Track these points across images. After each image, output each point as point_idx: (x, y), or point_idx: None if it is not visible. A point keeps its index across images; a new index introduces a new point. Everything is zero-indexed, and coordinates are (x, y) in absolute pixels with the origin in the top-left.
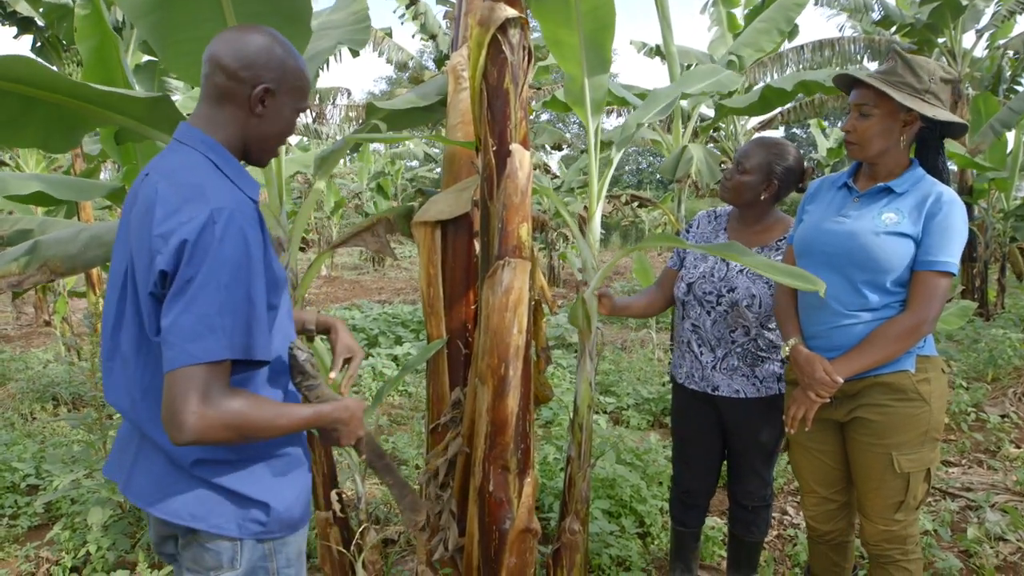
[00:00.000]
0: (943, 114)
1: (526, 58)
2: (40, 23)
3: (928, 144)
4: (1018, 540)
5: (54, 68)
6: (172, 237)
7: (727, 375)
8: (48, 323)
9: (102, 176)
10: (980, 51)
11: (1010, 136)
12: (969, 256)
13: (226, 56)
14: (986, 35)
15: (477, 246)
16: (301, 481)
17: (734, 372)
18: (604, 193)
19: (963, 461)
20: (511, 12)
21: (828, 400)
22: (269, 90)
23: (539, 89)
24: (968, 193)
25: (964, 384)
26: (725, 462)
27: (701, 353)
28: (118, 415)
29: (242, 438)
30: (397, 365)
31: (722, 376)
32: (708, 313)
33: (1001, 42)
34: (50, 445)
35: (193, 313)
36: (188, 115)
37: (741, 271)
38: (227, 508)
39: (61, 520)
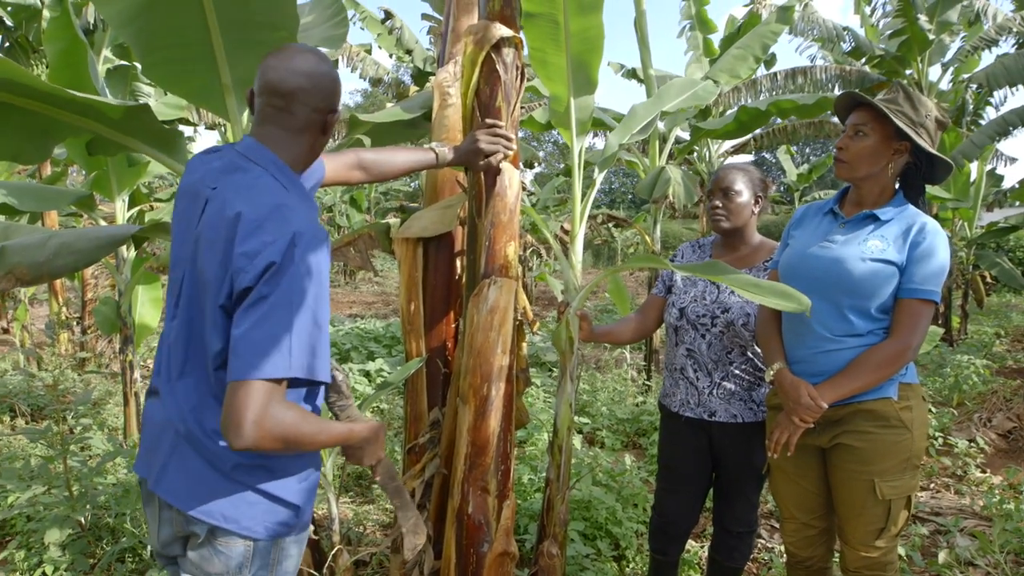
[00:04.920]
0: (932, 148)
1: (519, 77)
2: (8, 23)
3: (911, 184)
4: (987, 565)
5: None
6: (258, 257)
7: (724, 400)
8: (6, 331)
9: (69, 179)
10: (945, 84)
11: (973, 167)
12: None
13: (310, 91)
14: (951, 69)
15: (459, 264)
16: (316, 484)
17: (731, 397)
18: (587, 214)
19: (931, 485)
20: (506, 31)
21: (812, 426)
22: (336, 112)
23: (522, 107)
24: None
25: (931, 409)
26: (710, 489)
27: (697, 379)
28: (80, 429)
29: (288, 449)
30: (369, 381)
31: (719, 401)
32: (703, 336)
33: (965, 76)
34: (6, 459)
35: (265, 330)
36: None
37: (733, 290)
38: (260, 510)
39: (16, 538)
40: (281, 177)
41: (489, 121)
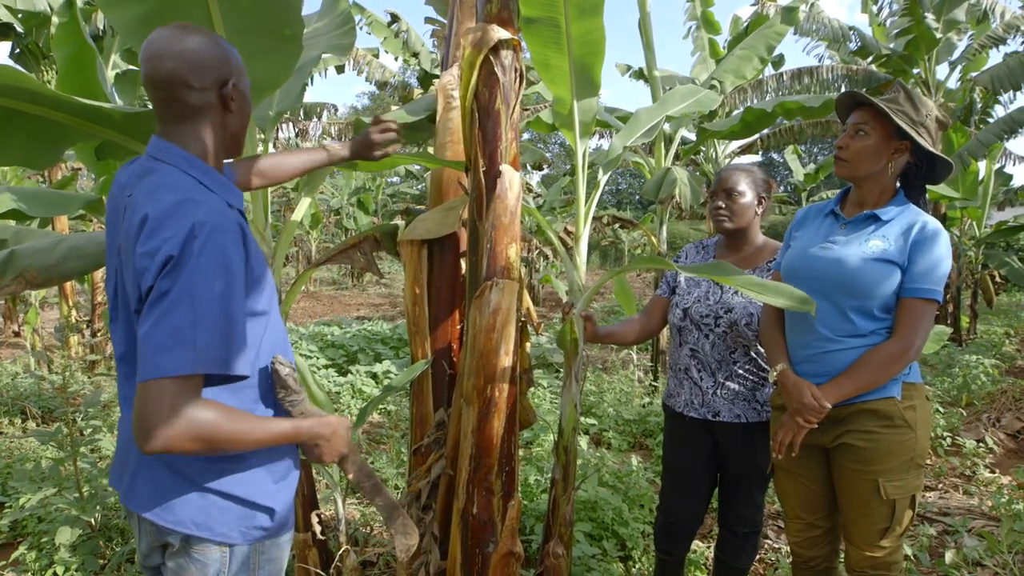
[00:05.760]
0: (932, 148)
1: (517, 80)
2: (19, 29)
3: (912, 184)
4: (995, 565)
5: (33, 76)
6: (158, 254)
7: (728, 400)
8: (17, 334)
9: (80, 182)
10: (953, 83)
11: (981, 166)
12: None
13: (186, 72)
14: (959, 68)
15: (464, 265)
16: (295, 484)
17: (735, 397)
18: (591, 215)
19: (940, 485)
20: (504, 34)
21: (815, 426)
22: (234, 84)
23: (526, 110)
24: (942, 221)
25: (940, 409)
26: (715, 489)
27: (701, 379)
28: (90, 431)
29: (211, 449)
30: (376, 383)
31: (723, 401)
32: (707, 336)
33: (973, 75)
34: (17, 461)
35: (166, 326)
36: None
37: (736, 291)
38: (232, 515)
39: (27, 539)
40: (192, 171)
41: (377, 117)
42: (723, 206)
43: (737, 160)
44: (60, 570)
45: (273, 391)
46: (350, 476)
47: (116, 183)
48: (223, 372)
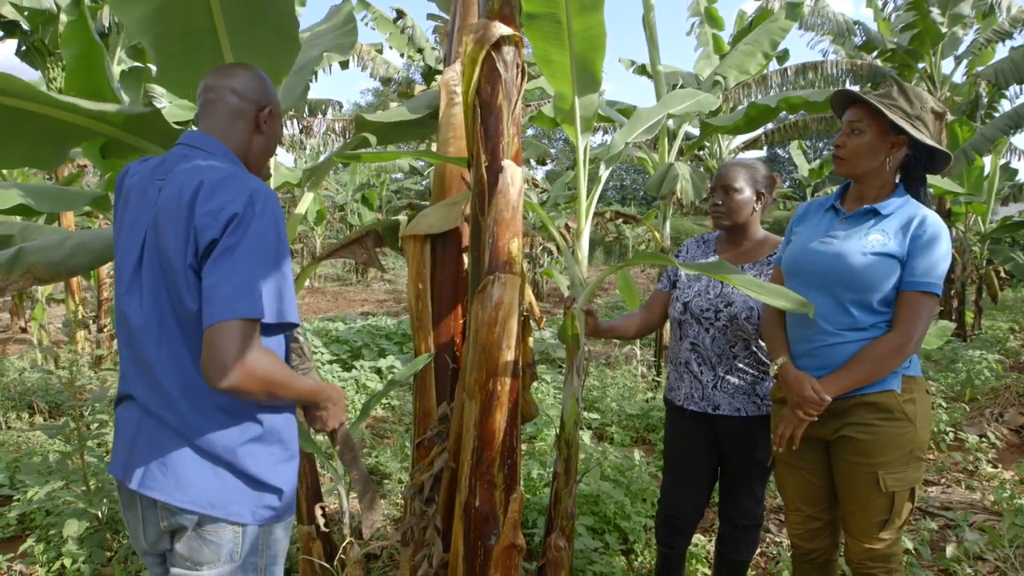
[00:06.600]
0: (930, 140)
1: (519, 75)
2: (25, 27)
3: (912, 175)
4: (996, 559)
5: (39, 74)
6: (222, 212)
7: (728, 394)
8: (24, 330)
9: (86, 179)
10: (959, 77)
11: (987, 161)
12: (947, 278)
13: (237, 84)
14: (964, 62)
15: (466, 260)
16: (297, 466)
17: (736, 391)
18: (592, 210)
19: (942, 480)
20: (506, 30)
21: (816, 419)
22: (272, 112)
23: (528, 105)
24: (946, 216)
25: (943, 404)
26: (716, 483)
27: (701, 372)
28: (96, 425)
29: (267, 394)
30: (381, 378)
31: (723, 395)
32: (707, 330)
33: (979, 69)
34: (25, 455)
35: (238, 275)
36: (176, 125)
37: None
38: (245, 495)
39: (35, 532)
40: (227, 160)
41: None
42: (720, 203)
43: (741, 155)
44: (68, 562)
45: (288, 358)
46: (337, 446)
47: (132, 175)
48: (281, 320)
